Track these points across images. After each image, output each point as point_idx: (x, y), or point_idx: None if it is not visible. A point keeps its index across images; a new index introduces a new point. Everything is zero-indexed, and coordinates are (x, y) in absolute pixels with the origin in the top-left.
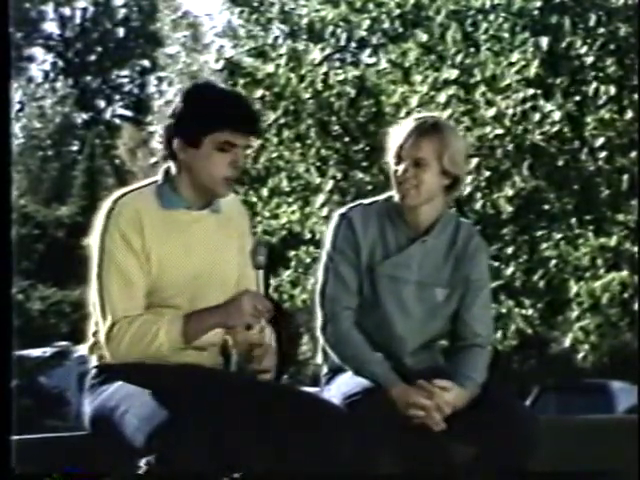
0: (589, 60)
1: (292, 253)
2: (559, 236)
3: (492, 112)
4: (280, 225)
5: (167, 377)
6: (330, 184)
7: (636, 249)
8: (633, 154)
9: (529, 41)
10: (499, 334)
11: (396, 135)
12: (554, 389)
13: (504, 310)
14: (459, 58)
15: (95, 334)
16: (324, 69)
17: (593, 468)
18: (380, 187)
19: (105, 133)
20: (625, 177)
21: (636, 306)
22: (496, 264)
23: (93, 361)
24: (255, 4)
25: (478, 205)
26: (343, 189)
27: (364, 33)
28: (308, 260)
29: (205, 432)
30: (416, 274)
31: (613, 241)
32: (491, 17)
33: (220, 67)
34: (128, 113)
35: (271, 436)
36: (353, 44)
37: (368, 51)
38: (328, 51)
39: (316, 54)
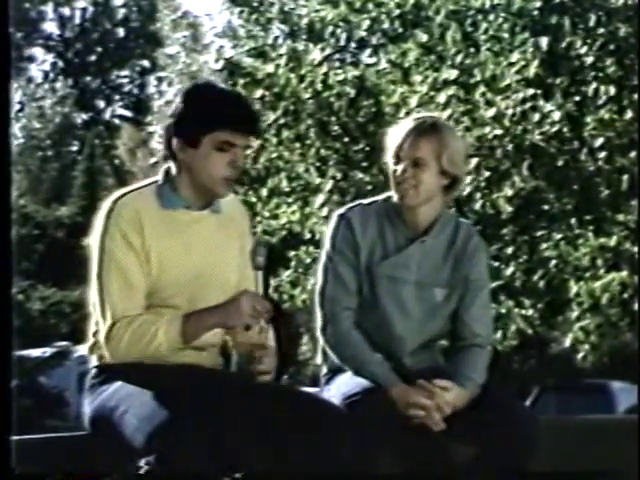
0: (589, 60)
1: (292, 253)
2: (559, 236)
3: (492, 112)
4: (280, 225)
5: (167, 377)
6: (330, 184)
7: (636, 249)
8: (633, 154)
9: (529, 41)
10: (499, 334)
11: (395, 135)
12: (554, 389)
13: (504, 310)
14: (459, 58)
15: (95, 334)
16: (324, 69)
17: (593, 468)
18: (380, 187)
19: (105, 133)
20: (625, 177)
21: (636, 306)
22: (496, 264)
23: (93, 361)
24: (255, 4)
25: (478, 205)
26: (343, 189)
27: (364, 33)
28: (308, 260)
29: (205, 432)
30: (415, 274)
31: (613, 241)
32: (491, 17)
33: (220, 67)
34: (128, 113)
35: (271, 436)
36: (353, 44)
37: (368, 51)
38: (328, 51)
39: (316, 54)
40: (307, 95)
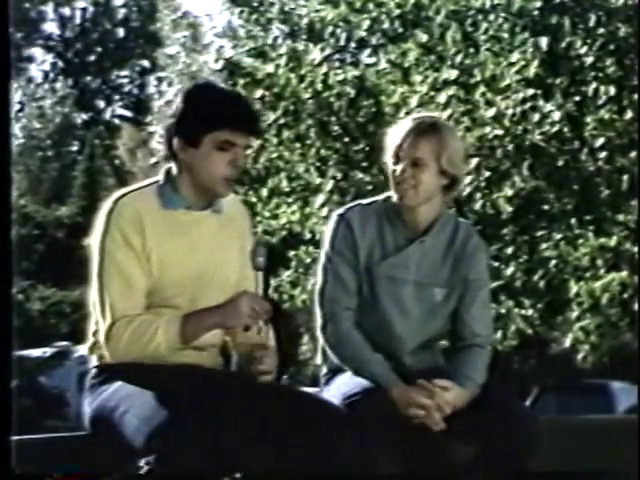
0: (589, 60)
1: (292, 253)
2: (559, 236)
3: (492, 112)
4: (280, 225)
5: (167, 377)
6: (330, 184)
7: (636, 249)
8: (633, 154)
9: (529, 41)
10: (499, 334)
11: (394, 135)
12: (554, 389)
13: (504, 310)
14: (459, 58)
15: (95, 334)
16: (324, 69)
17: (593, 468)
18: (380, 187)
19: (105, 133)
20: (625, 177)
21: (636, 306)
22: (496, 264)
23: (93, 361)
24: (255, 4)
25: (478, 205)
26: (343, 189)
27: (364, 33)
28: (308, 260)
29: (205, 432)
30: (414, 274)
31: (613, 241)
32: (491, 17)
33: (220, 67)
34: (128, 113)
35: (271, 436)
36: (353, 44)
37: (368, 51)
38: (328, 51)
39: (316, 54)
40: (307, 95)
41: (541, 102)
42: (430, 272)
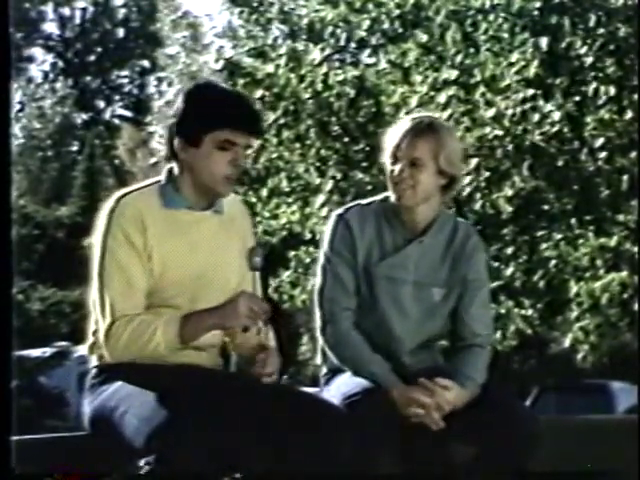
0: (589, 60)
1: (292, 253)
2: (559, 236)
3: (492, 112)
4: (280, 225)
5: (167, 377)
6: (330, 184)
7: (636, 249)
8: (633, 154)
9: (529, 41)
10: (499, 334)
11: (392, 135)
12: (554, 389)
13: (504, 310)
14: (459, 58)
15: (95, 333)
16: (324, 69)
17: (593, 468)
18: (380, 187)
19: (105, 133)
20: (625, 177)
21: (636, 306)
22: (496, 264)
23: (93, 361)
24: (255, 4)
25: (478, 205)
26: (343, 189)
27: (364, 33)
28: (308, 260)
29: (205, 432)
30: (413, 274)
31: (613, 241)
32: (491, 17)
33: (220, 67)
34: (128, 113)
35: (271, 436)
36: (353, 44)
37: (368, 51)
38: (328, 51)
39: (316, 54)
40: (307, 95)
41: (541, 102)
42: (429, 272)
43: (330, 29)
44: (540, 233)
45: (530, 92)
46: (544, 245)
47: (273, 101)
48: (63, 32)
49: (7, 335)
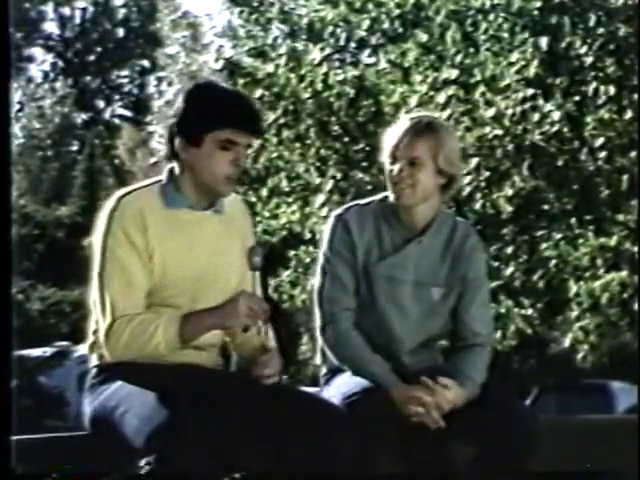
0: (589, 60)
1: (292, 253)
2: (559, 236)
3: (492, 112)
4: (280, 225)
5: (167, 377)
6: (330, 184)
7: (636, 249)
8: (633, 154)
9: (529, 41)
10: (499, 334)
11: (391, 135)
12: (554, 389)
13: (503, 310)
14: (459, 58)
15: (95, 332)
16: (324, 69)
17: (593, 468)
18: (380, 187)
19: (105, 133)
20: (625, 177)
21: (636, 306)
22: (496, 264)
23: (93, 360)
24: (255, 4)
25: (478, 205)
26: (343, 189)
27: (364, 33)
28: (308, 260)
29: (205, 432)
30: (412, 274)
31: (613, 241)
32: (491, 17)
33: (220, 67)
34: (128, 113)
35: (271, 436)
36: (353, 44)
37: (368, 51)
38: (328, 51)
39: (316, 54)
40: (307, 95)
41: (541, 102)
42: (428, 272)
43: (330, 29)
44: (540, 233)
45: (530, 92)
46: (544, 245)
47: (273, 101)
48: (63, 32)
49: (7, 335)
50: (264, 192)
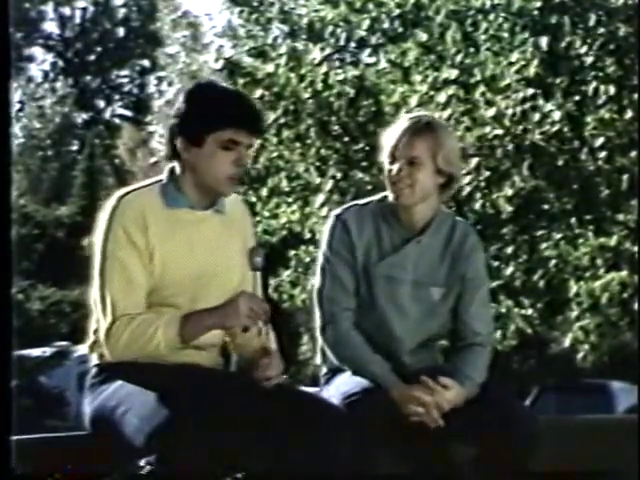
0: (589, 60)
1: (292, 253)
2: (559, 236)
3: (492, 112)
4: (280, 225)
5: (167, 377)
6: (330, 184)
7: (636, 249)
8: (633, 154)
9: (529, 41)
10: (499, 334)
11: (390, 134)
12: (554, 389)
13: (504, 310)
14: (459, 58)
15: (96, 332)
16: (324, 69)
17: (593, 468)
18: (380, 187)
19: (105, 133)
20: (625, 177)
21: (636, 306)
22: (496, 264)
23: (93, 359)
24: (255, 4)
25: (478, 205)
26: (343, 189)
27: (364, 33)
28: (308, 260)
29: (205, 432)
30: (412, 274)
31: (613, 241)
32: (491, 17)
33: (220, 67)
34: (128, 113)
35: (271, 436)
36: (353, 44)
37: (368, 51)
38: (328, 51)
39: (316, 54)
40: (307, 95)
41: (541, 102)
42: (427, 271)
43: (330, 29)
44: (540, 233)
45: (530, 92)
46: (544, 245)
47: (273, 101)
48: (63, 32)
49: (7, 335)
50: (264, 192)
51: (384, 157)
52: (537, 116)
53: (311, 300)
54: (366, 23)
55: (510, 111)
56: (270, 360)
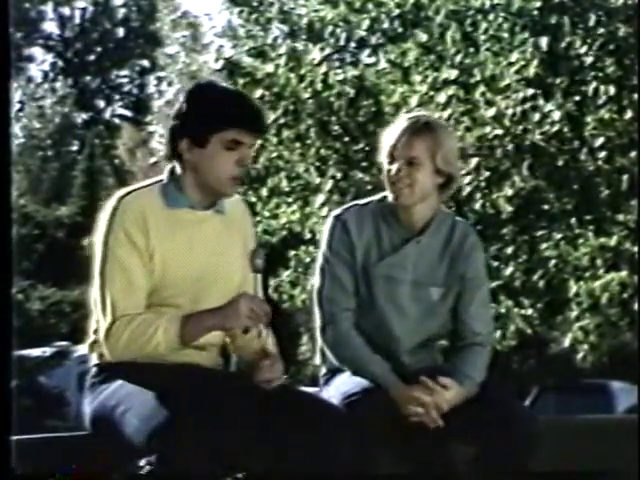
0: (589, 60)
1: (292, 253)
2: (559, 236)
3: (492, 112)
4: (280, 225)
5: (167, 377)
6: (330, 184)
7: (636, 249)
8: (633, 154)
9: (528, 41)
10: (498, 334)
11: (389, 135)
12: (554, 389)
13: (503, 310)
14: (459, 58)
15: (96, 332)
16: (324, 69)
17: (593, 468)
18: (380, 187)
19: (105, 133)
20: (625, 177)
21: (636, 306)
22: (496, 264)
23: (93, 359)
24: (255, 4)
25: (478, 205)
26: (343, 189)
27: (363, 33)
28: (308, 260)
29: (205, 432)
30: (411, 274)
31: (613, 241)
32: (491, 17)
33: (219, 67)
34: (128, 113)
35: (271, 436)
36: (352, 44)
37: (367, 51)
38: (328, 51)
39: (316, 54)
40: (307, 95)
41: (541, 102)
42: (427, 271)
43: (330, 29)
44: (540, 233)
45: (530, 92)
46: (544, 245)
47: (273, 101)
48: (63, 32)
49: (7, 335)
50: (264, 192)
51: (383, 157)
52: (537, 116)
53: (311, 300)
54: (366, 23)
55: (510, 111)
56: (271, 362)
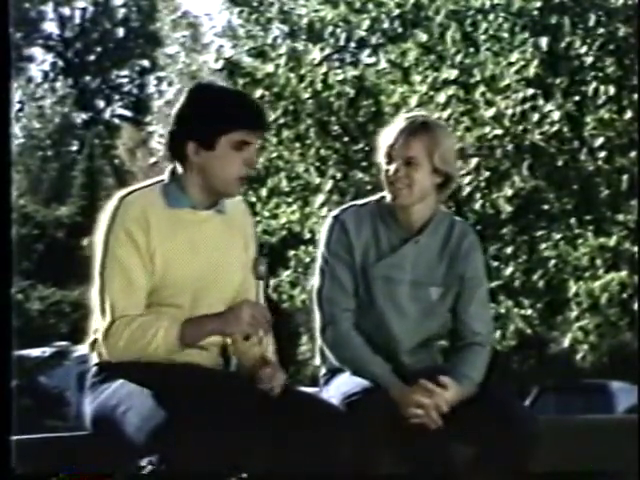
0: (588, 60)
1: (292, 253)
2: (559, 236)
3: (491, 112)
4: (280, 225)
5: (168, 376)
6: (330, 184)
7: (636, 249)
8: (633, 154)
9: (528, 41)
10: (498, 334)
11: (387, 135)
12: (553, 389)
13: (503, 310)
14: (459, 58)
15: (96, 331)
16: (323, 69)
17: (593, 468)
18: (379, 187)
19: (104, 133)
20: (625, 177)
21: (635, 306)
22: (495, 264)
23: (94, 359)
24: (255, 4)
25: (477, 205)
26: (343, 189)
27: (363, 33)
28: (307, 260)
29: (206, 432)
30: (410, 274)
31: (613, 241)
32: (491, 17)
33: (219, 67)
34: (127, 113)
35: (271, 436)
36: (352, 44)
37: (367, 51)
38: (327, 51)
39: (316, 54)
40: (307, 95)
41: (541, 102)
42: (426, 271)
43: (330, 29)
44: (540, 233)
45: (530, 92)
46: (544, 245)
47: (273, 101)
48: (63, 32)
49: (7, 335)
50: (264, 192)
51: (381, 157)
52: (537, 116)
53: (311, 300)
54: (366, 23)
55: (510, 111)
56: (272, 371)
